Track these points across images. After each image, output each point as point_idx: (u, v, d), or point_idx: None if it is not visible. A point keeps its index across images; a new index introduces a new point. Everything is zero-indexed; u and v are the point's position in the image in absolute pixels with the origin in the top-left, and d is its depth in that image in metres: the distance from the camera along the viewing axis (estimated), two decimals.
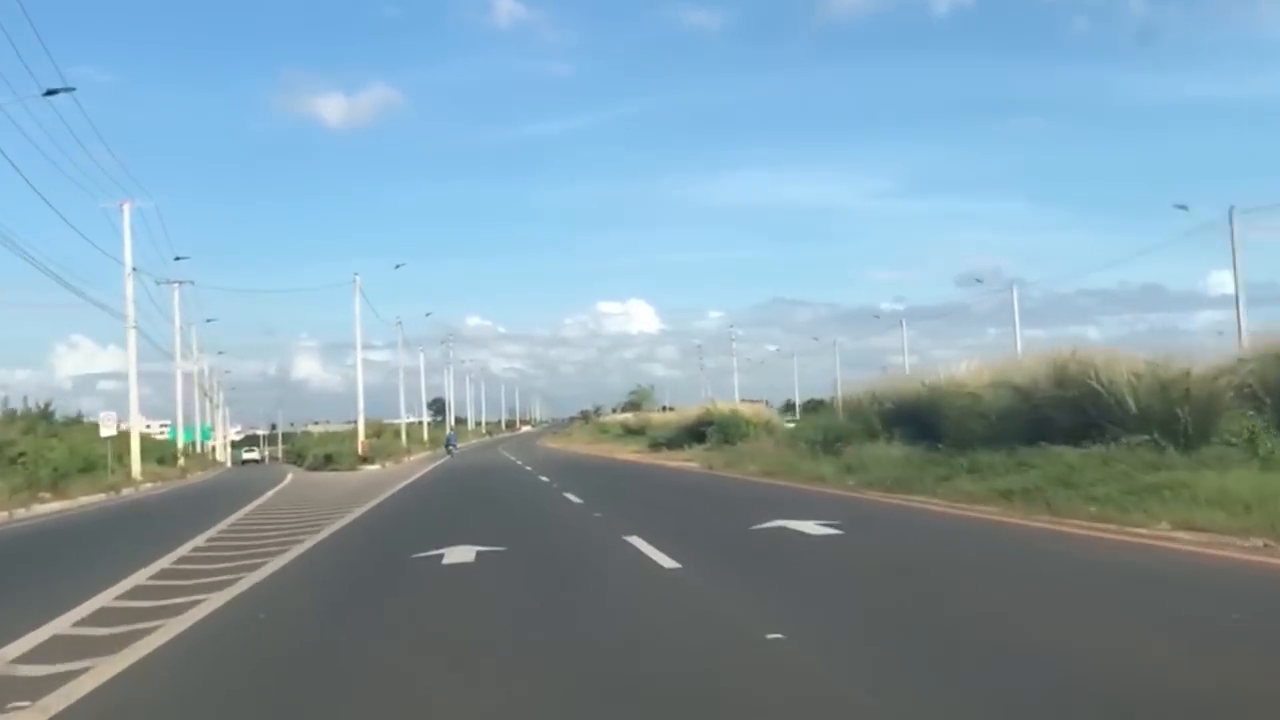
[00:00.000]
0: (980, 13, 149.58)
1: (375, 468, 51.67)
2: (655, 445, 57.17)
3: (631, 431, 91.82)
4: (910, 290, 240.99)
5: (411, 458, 67.31)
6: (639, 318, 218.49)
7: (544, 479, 29.61)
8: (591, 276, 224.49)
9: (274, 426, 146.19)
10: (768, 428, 49.80)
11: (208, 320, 74.25)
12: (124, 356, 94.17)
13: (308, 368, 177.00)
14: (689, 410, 57.58)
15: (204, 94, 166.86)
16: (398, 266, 63.48)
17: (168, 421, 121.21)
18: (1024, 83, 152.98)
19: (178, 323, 69.23)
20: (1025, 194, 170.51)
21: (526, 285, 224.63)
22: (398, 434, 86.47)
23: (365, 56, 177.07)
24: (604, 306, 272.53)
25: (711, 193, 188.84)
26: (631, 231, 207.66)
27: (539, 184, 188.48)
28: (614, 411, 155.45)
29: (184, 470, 64.63)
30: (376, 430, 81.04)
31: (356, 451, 53.48)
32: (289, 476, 46.05)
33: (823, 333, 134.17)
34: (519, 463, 45.92)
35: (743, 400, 77.52)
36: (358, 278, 55.12)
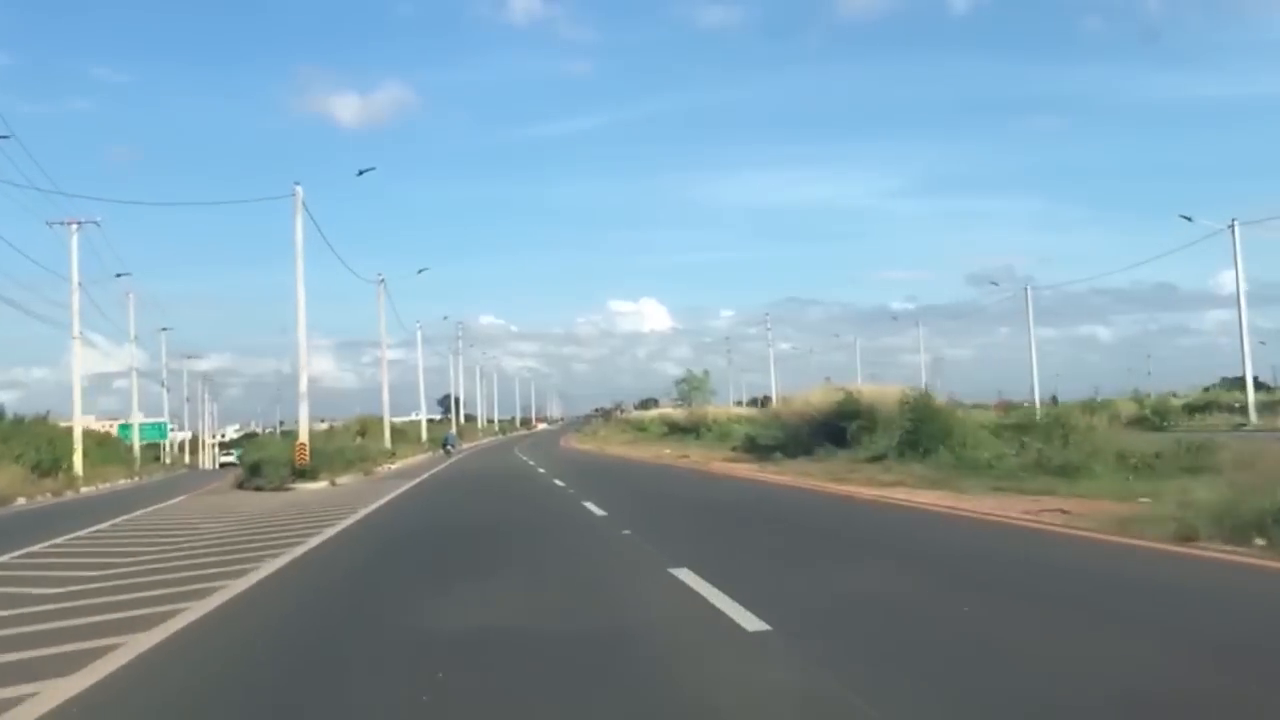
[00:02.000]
0: (995, 11, 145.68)
1: (317, 487, 30.60)
2: (757, 451, 36.03)
3: (681, 429, 70.66)
4: (923, 289, 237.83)
5: (394, 465, 46.28)
6: (651, 316, 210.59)
7: (713, 597, 8.04)
8: (604, 275, 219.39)
9: (281, 423, 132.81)
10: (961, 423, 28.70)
11: (117, 275, 52.55)
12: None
13: (322, 366, 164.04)
14: (808, 396, 36.09)
15: (218, 93, 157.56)
16: (420, 271, 49.65)
17: (162, 419, 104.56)
18: (1038, 82, 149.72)
19: (75, 279, 48.20)
20: (1039, 193, 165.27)
21: (539, 284, 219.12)
22: (393, 434, 65.84)
23: (379, 56, 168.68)
24: (616, 305, 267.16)
25: (723, 191, 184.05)
26: (643, 230, 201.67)
27: (551, 183, 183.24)
28: (635, 407, 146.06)
29: (71, 480, 44.08)
30: (362, 428, 60.52)
31: (295, 460, 32.27)
32: (154, 506, 25.31)
33: (834, 332, 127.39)
34: (559, 483, 24.90)
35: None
36: (299, 189, 34.20)
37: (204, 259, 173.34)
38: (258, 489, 31.95)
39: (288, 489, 30.65)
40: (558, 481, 25.16)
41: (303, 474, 31.31)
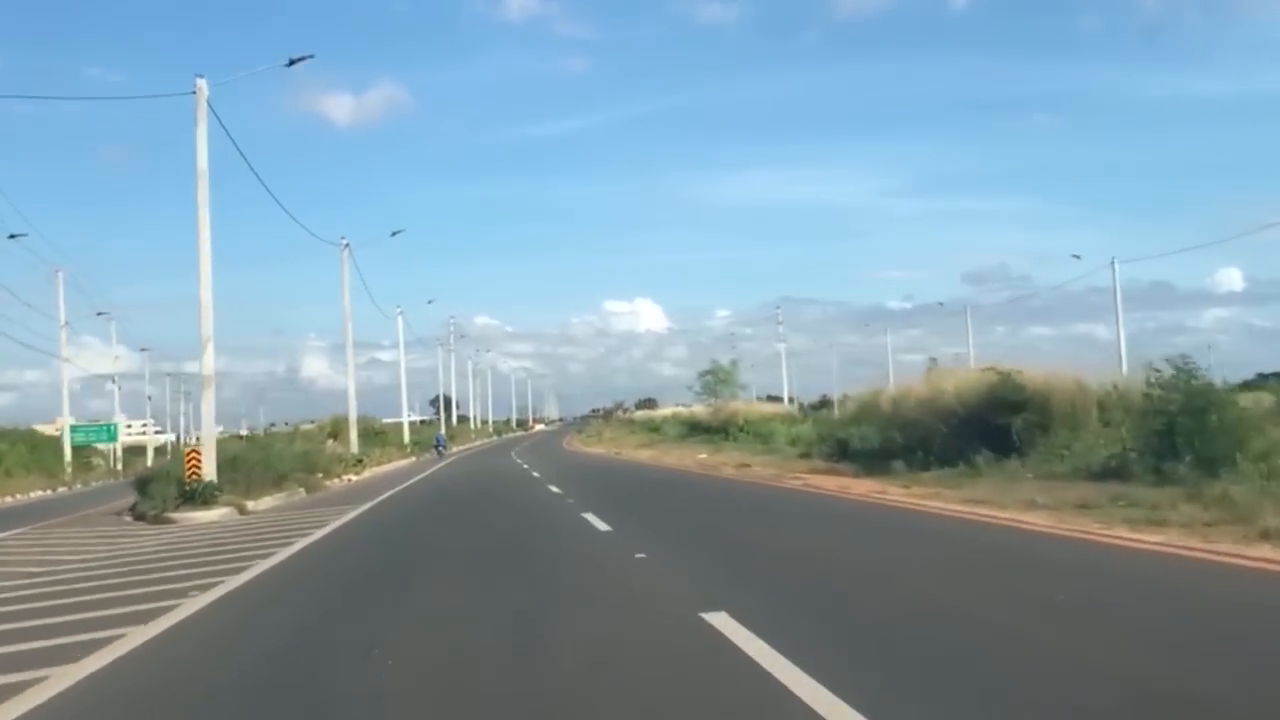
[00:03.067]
0: (991, 11, 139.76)
1: (211, 517, 19.70)
2: (854, 458, 25.30)
3: (705, 429, 59.59)
4: (919, 289, 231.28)
5: (359, 475, 35.50)
6: (647, 317, 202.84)
7: None
8: (599, 275, 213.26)
9: (271, 425, 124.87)
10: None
11: (11, 236, 41.38)
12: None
13: (317, 367, 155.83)
14: (939, 381, 24.99)
15: (211, 91, 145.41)
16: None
17: (149, 421, 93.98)
18: (1034, 80, 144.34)
19: None
20: (1034, 192, 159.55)
21: (534, 284, 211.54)
22: (373, 436, 55.51)
23: (373, 55, 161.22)
24: (611, 305, 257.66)
25: (718, 191, 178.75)
26: (638, 230, 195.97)
27: (546, 183, 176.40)
28: (635, 406, 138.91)
29: None
30: (334, 429, 49.84)
31: (197, 472, 21.18)
32: None
33: (831, 331, 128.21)
34: (598, 525, 13.81)
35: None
36: (202, 83, 22.97)
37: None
38: (140, 517, 21.11)
39: (168, 519, 19.77)
40: (596, 522, 13.99)
41: (192, 496, 20.27)
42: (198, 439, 25.00)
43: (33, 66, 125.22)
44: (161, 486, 21.94)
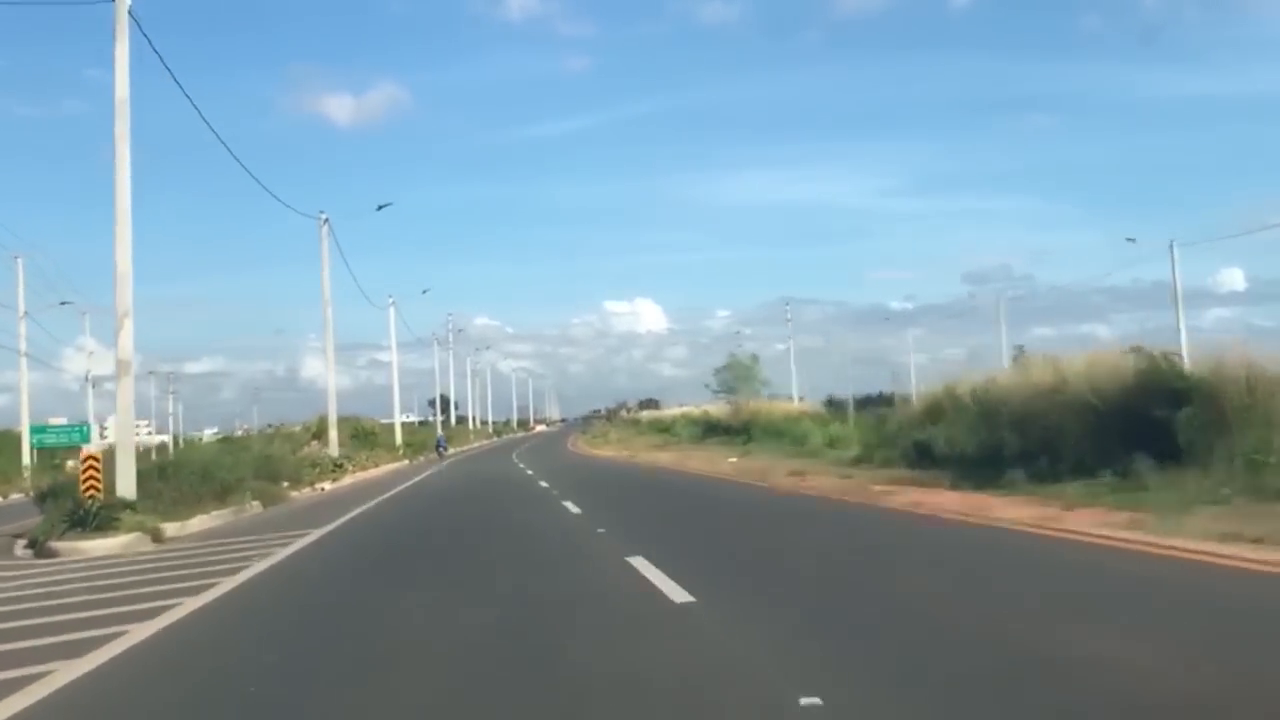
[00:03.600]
0: (991, 10, 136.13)
1: (107, 547, 14.31)
2: (945, 465, 20.05)
3: (724, 430, 54.26)
4: (919, 289, 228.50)
5: (335, 483, 30.47)
6: (647, 317, 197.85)
7: None
8: (599, 276, 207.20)
9: (270, 425, 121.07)
10: None
11: None
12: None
13: (317, 367, 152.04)
14: (1062, 365, 19.50)
15: (208, 91, 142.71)
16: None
17: (142, 422, 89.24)
18: (1034, 80, 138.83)
19: None
20: (1035, 192, 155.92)
21: (534, 285, 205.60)
22: (363, 437, 50.71)
23: (373, 55, 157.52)
24: (611, 306, 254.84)
25: (718, 191, 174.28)
26: (637, 230, 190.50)
27: (546, 183, 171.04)
28: (640, 407, 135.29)
29: None
30: (319, 429, 44.83)
31: (95, 487, 15.89)
32: None
33: (832, 331, 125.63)
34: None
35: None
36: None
37: (201, 261, 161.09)
38: (31, 544, 15.81)
39: (51, 550, 14.46)
40: (656, 578, 8.58)
41: (85, 520, 14.87)
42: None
43: (33, 67, 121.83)
44: (57, 504, 16.65)
